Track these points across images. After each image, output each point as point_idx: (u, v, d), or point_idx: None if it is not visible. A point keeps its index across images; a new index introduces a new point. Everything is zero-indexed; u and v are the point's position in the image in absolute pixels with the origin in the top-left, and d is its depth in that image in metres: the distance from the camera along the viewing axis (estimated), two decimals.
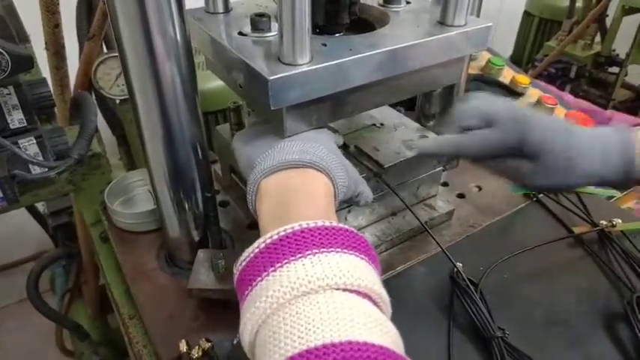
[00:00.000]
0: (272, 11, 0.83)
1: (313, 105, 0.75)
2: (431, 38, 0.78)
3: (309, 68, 0.67)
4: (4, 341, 2.18)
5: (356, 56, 0.71)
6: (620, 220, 0.99)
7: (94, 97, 1.23)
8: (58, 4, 1.04)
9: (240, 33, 0.78)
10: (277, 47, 0.69)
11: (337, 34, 0.84)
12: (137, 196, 1.09)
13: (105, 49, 1.28)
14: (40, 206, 1.77)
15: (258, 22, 0.76)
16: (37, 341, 2.15)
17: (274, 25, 0.77)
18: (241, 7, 0.89)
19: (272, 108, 0.67)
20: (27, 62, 0.77)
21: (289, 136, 0.75)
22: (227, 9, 0.87)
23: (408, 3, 0.92)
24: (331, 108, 0.79)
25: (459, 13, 0.81)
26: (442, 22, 0.82)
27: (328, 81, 0.70)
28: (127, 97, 1.27)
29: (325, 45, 0.73)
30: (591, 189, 1.15)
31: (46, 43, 1.14)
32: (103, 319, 1.78)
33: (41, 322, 2.02)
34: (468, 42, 0.83)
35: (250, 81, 0.70)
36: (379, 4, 0.90)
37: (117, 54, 1.17)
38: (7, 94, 0.84)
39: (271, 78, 0.65)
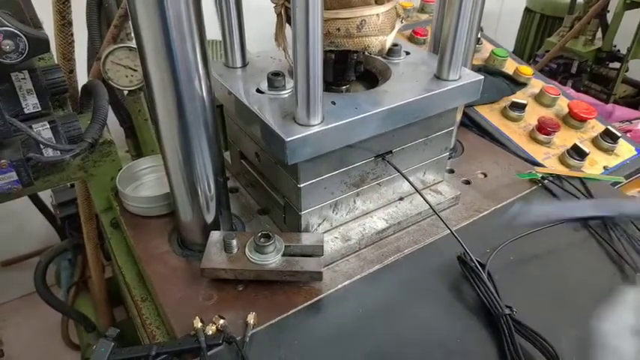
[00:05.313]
0: (285, 65, 0.92)
1: (324, 157, 0.82)
2: (428, 94, 0.86)
3: (321, 129, 0.75)
4: (8, 336, 2.18)
5: (362, 115, 0.79)
6: None
7: None
8: (74, 51, 1.11)
9: (258, 90, 0.86)
10: (292, 107, 0.76)
11: (344, 86, 0.93)
12: (147, 183, 1.11)
13: None
14: (48, 198, 1.78)
15: (274, 80, 0.85)
16: (41, 336, 2.15)
17: (289, 82, 0.85)
18: (257, 60, 0.97)
19: (288, 164, 0.75)
20: (43, 45, 0.78)
21: (303, 184, 0.83)
22: (244, 63, 0.95)
23: (407, 54, 0.99)
24: (340, 158, 0.86)
25: (454, 69, 0.89)
26: (438, 77, 0.90)
27: (338, 138, 0.79)
28: (135, 87, 1.29)
29: (334, 103, 0.81)
30: (596, 175, 1.16)
31: None
32: (109, 312, 1.79)
33: (45, 316, 2.03)
34: (462, 95, 0.91)
35: (268, 138, 0.78)
36: (381, 56, 0.96)
37: (125, 45, 1.21)
38: (22, 78, 0.85)
39: (288, 140, 0.73)
